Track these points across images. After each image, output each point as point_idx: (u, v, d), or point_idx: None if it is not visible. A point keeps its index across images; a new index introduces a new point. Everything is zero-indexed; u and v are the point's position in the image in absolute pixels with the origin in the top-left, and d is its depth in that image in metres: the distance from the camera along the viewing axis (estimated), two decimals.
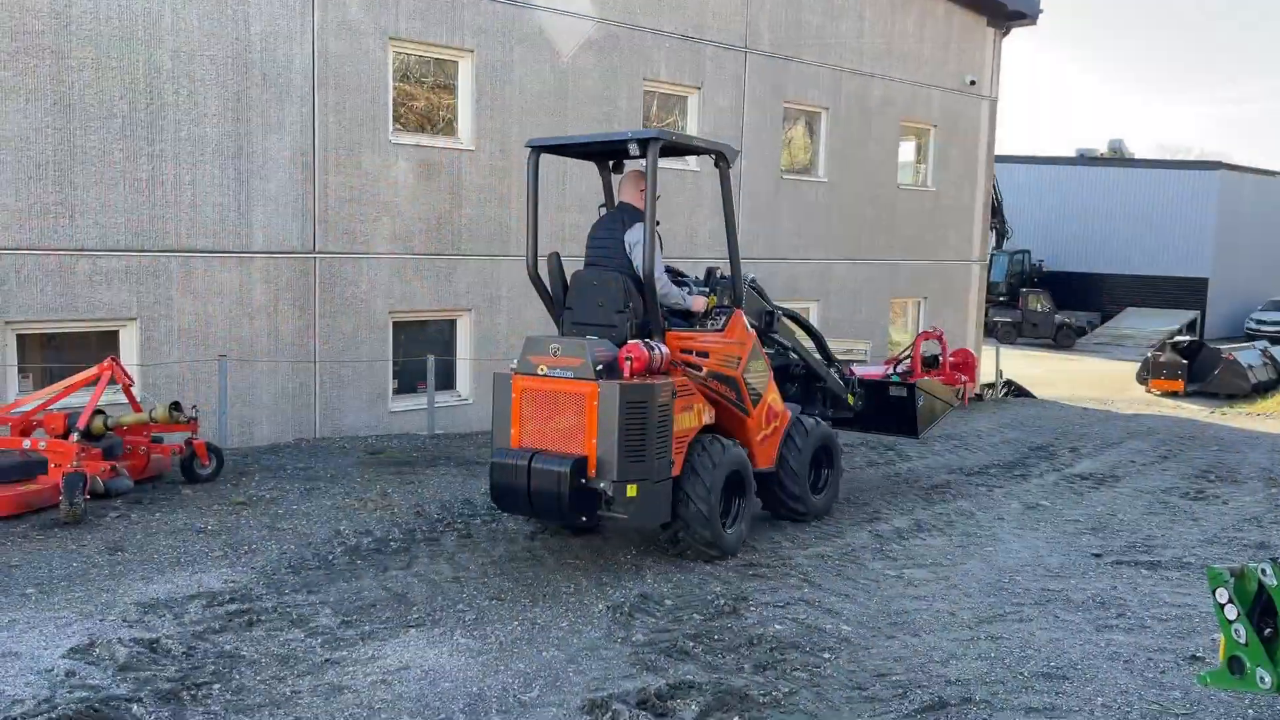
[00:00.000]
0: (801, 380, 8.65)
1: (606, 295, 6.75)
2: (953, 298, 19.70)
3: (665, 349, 6.54)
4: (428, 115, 12.57)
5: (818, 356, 8.82)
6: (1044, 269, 39.32)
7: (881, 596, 6.17)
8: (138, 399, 8.72)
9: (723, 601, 5.88)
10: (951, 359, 16.55)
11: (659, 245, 6.80)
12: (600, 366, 6.19)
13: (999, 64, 19.92)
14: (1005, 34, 19.71)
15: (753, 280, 7.87)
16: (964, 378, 16.56)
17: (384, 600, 5.73)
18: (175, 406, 8.23)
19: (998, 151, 21.04)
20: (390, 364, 11.91)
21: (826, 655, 5.15)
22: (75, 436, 7.51)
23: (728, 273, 7.56)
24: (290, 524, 7.36)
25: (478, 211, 12.44)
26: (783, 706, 4.52)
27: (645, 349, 6.29)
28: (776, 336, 8.15)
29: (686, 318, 7.13)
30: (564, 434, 6.24)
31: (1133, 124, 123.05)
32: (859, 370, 14.37)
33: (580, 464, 6.08)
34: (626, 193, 7.16)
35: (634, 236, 6.82)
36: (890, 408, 9.30)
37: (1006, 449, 12.40)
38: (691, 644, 5.18)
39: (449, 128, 12.61)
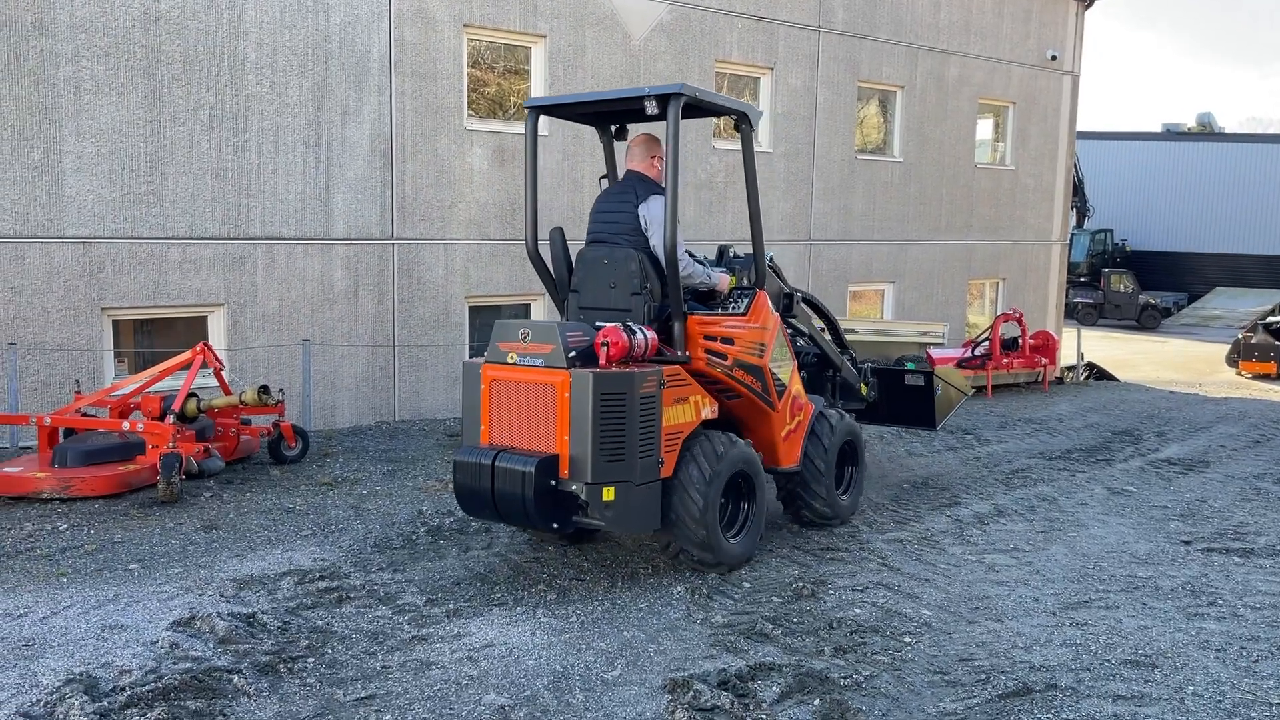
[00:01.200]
0: (813, 369, 7.93)
1: (619, 275, 6.05)
2: (1032, 278, 19.28)
3: (650, 334, 5.75)
4: (499, 101, 12.68)
5: (830, 341, 8.06)
6: (1127, 248, 38.24)
7: (962, 581, 6.11)
8: (227, 382, 9.01)
9: (800, 585, 5.88)
10: (1031, 341, 16.28)
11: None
12: (574, 353, 5.48)
13: (1081, 37, 19.37)
14: (1088, 6, 19.15)
15: (771, 259, 7.09)
16: (1044, 360, 16.26)
17: (467, 579, 5.85)
18: (264, 390, 8.49)
19: (1079, 128, 20.48)
20: (467, 348, 12.09)
21: (907, 639, 5.12)
22: (171, 419, 7.79)
23: (741, 251, 6.98)
24: (374, 504, 7.55)
25: (550, 197, 12.53)
26: (864, 690, 4.51)
27: (625, 333, 5.55)
28: (794, 322, 7.49)
29: (704, 300, 6.46)
30: (535, 430, 5.54)
31: (1222, 97, 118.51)
32: (936, 353, 14.22)
33: (548, 463, 5.39)
34: (635, 160, 6.37)
35: (652, 210, 6.09)
36: (906, 397, 8.59)
37: (1089, 433, 12.13)
38: (770, 626, 5.20)
39: (522, 113, 12.71)
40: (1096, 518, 7.84)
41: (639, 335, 5.65)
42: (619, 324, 5.65)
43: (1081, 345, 19.40)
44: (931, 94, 16.93)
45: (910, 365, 8.76)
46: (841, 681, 4.56)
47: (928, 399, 8.45)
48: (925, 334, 14.28)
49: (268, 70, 10.49)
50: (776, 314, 6.65)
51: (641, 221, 6.13)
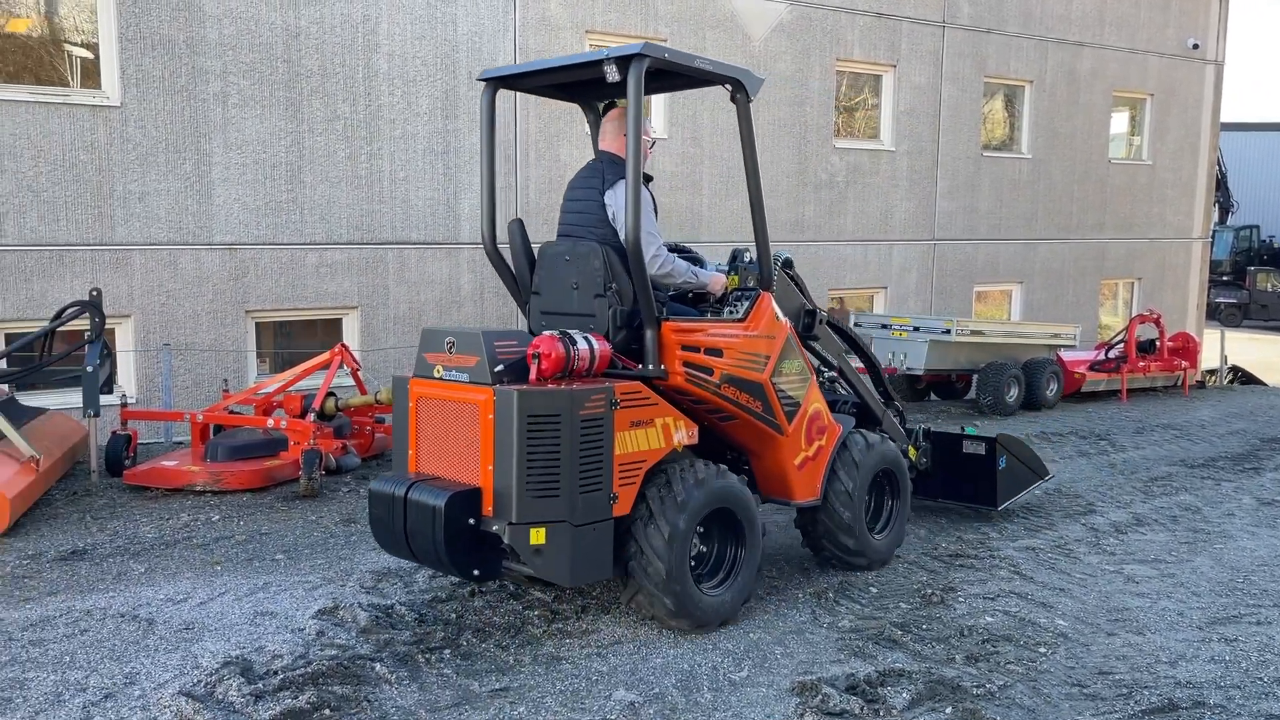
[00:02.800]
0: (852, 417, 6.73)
1: (582, 274, 5.14)
2: (1171, 278, 18.44)
3: (600, 344, 4.89)
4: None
5: (868, 385, 6.74)
6: (1275, 244, 36.14)
7: (1099, 592, 5.90)
8: (363, 382, 9.38)
9: (929, 591, 5.78)
10: (1170, 343, 15.55)
11: (653, 207, 5.18)
12: (501, 367, 4.67)
13: (1225, 23, 18.43)
14: None
15: (786, 260, 6.01)
16: (1183, 363, 15.52)
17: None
18: None
19: (1223, 119, 19.47)
20: None
21: (1042, 650, 4.98)
22: (311, 416, 8.16)
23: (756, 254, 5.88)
24: None
25: (669, 199, 12.61)
26: (997, 700, 4.42)
27: (562, 343, 4.73)
28: (817, 348, 6.36)
29: (697, 304, 5.61)
30: (459, 458, 4.77)
31: None
32: (1067, 355, 13.73)
33: (465, 498, 4.61)
34: (607, 139, 5.52)
35: (616, 196, 5.19)
36: (964, 469, 7.31)
37: (1235, 440, 11.53)
38: (899, 632, 5.13)
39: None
40: (1245, 529, 7.46)
41: (581, 345, 4.79)
42: (557, 332, 4.82)
43: (1225, 348, 18.44)
44: (1062, 88, 16.37)
45: (970, 430, 7.45)
46: (974, 690, 4.48)
47: (989, 472, 7.21)
48: (1055, 336, 13.83)
49: (399, 81, 10.87)
50: (786, 320, 5.61)
51: (608, 211, 5.22)
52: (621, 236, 5.07)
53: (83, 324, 7.96)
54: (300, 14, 10.27)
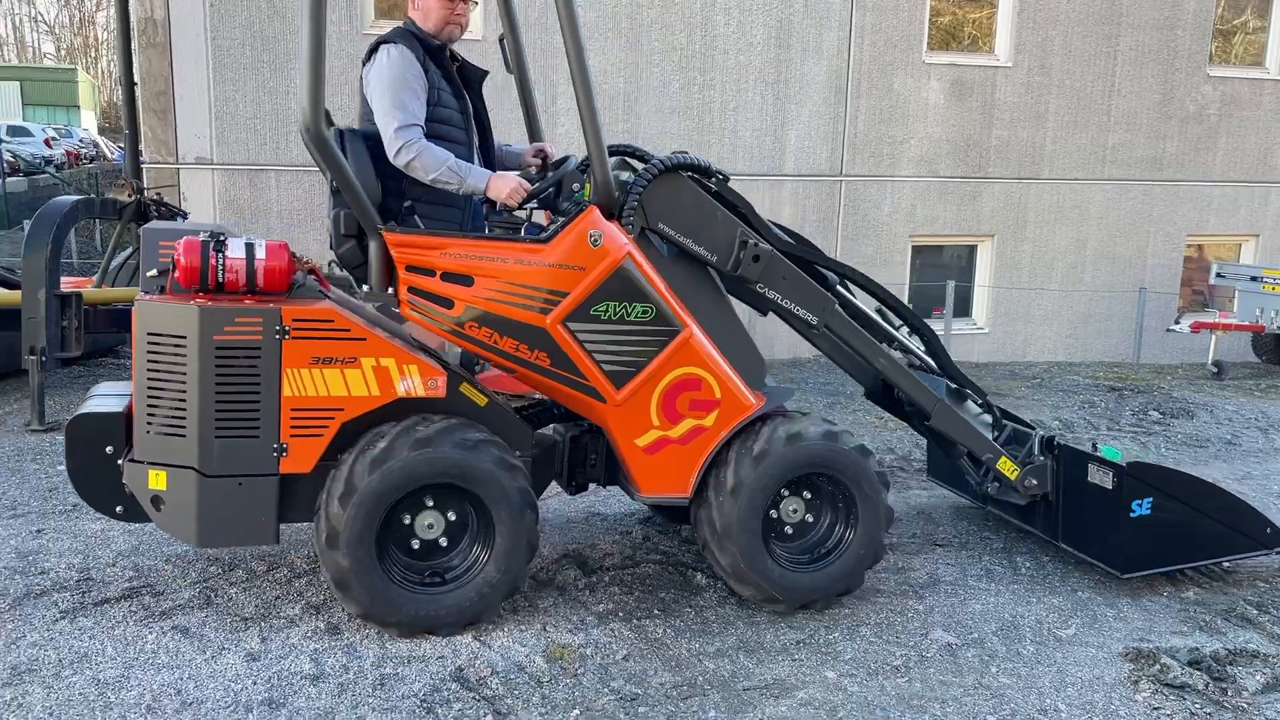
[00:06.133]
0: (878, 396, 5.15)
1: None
2: None
3: (275, 256, 3.94)
4: (952, 32, 12.15)
5: (892, 359, 4.80)
6: None
7: None
8: None
9: None
10: None
11: (417, 79, 4.16)
12: (154, 272, 3.99)
13: None
14: None
15: (702, 168, 4.34)
16: None
17: (908, 517, 5.87)
18: None
19: None
20: (907, 287, 11.93)
21: None
22: None
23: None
24: None
25: (1008, 132, 11.85)
26: None
27: (200, 248, 3.84)
28: (760, 290, 4.47)
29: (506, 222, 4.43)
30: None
31: None
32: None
33: (103, 422, 4.03)
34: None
35: (373, 72, 4.21)
36: (1090, 505, 4.83)
37: None
38: (1255, 611, 4.66)
39: (979, 44, 12.10)
40: None
41: (234, 254, 3.87)
42: (207, 232, 3.93)
43: None
44: None
45: (1105, 450, 4.89)
46: None
47: (1115, 516, 4.69)
48: None
49: (735, 10, 10.92)
50: (626, 245, 4.13)
51: (364, 88, 4.28)
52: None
53: None
54: None
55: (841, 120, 11.43)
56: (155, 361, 3.79)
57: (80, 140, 34.03)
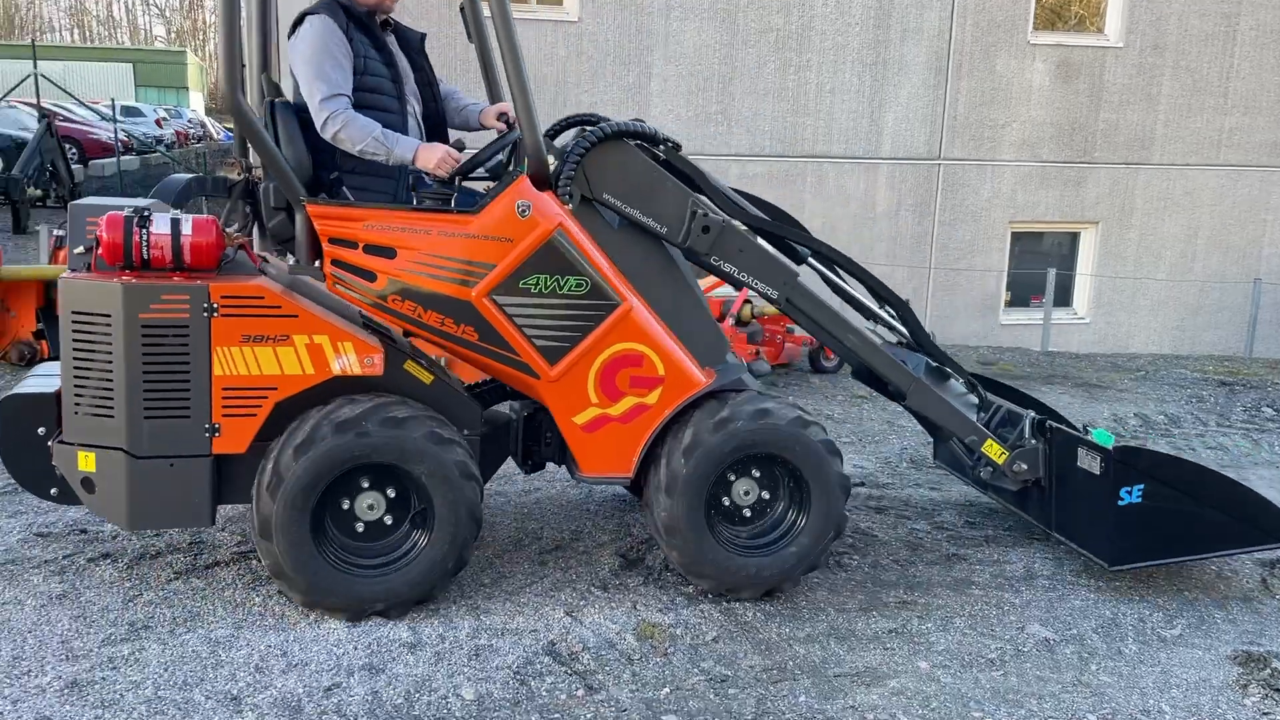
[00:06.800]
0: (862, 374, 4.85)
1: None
2: None
3: (203, 232, 3.80)
4: (1057, 11, 11.77)
5: (865, 336, 4.60)
6: None
7: None
8: None
9: None
10: None
11: (338, 46, 4.02)
12: (81, 249, 3.87)
13: None
14: None
15: (649, 134, 4.17)
16: None
17: (1004, 510, 5.75)
18: None
19: None
20: (1005, 275, 11.64)
21: None
22: (730, 321, 8.54)
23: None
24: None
25: (1117, 115, 11.45)
26: None
27: (124, 224, 3.72)
28: (714, 262, 4.26)
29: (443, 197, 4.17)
30: None
31: None
32: None
33: (32, 402, 3.95)
34: None
35: (295, 45, 4.08)
36: (1080, 490, 4.52)
37: None
38: None
39: (1088, 23, 11.70)
40: None
41: (159, 230, 3.75)
42: (133, 209, 3.80)
43: None
44: None
45: (1096, 433, 4.63)
46: None
47: (1102, 504, 4.39)
48: None
49: None
50: (558, 215, 3.97)
51: (290, 62, 4.15)
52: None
53: None
54: None
55: (941, 102, 11.18)
56: (81, 341, 3.71)
57: (189, 121, 35.22)
